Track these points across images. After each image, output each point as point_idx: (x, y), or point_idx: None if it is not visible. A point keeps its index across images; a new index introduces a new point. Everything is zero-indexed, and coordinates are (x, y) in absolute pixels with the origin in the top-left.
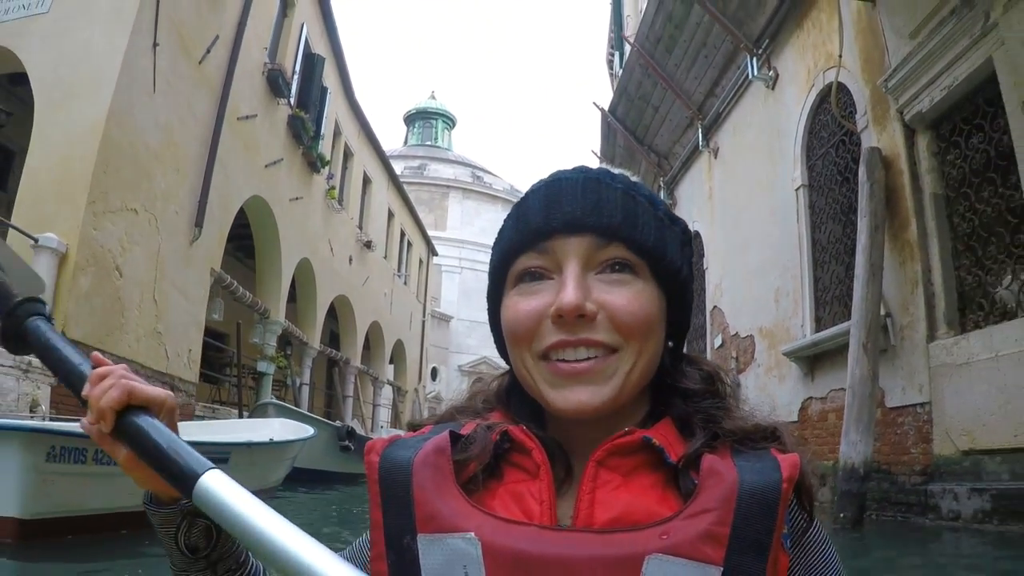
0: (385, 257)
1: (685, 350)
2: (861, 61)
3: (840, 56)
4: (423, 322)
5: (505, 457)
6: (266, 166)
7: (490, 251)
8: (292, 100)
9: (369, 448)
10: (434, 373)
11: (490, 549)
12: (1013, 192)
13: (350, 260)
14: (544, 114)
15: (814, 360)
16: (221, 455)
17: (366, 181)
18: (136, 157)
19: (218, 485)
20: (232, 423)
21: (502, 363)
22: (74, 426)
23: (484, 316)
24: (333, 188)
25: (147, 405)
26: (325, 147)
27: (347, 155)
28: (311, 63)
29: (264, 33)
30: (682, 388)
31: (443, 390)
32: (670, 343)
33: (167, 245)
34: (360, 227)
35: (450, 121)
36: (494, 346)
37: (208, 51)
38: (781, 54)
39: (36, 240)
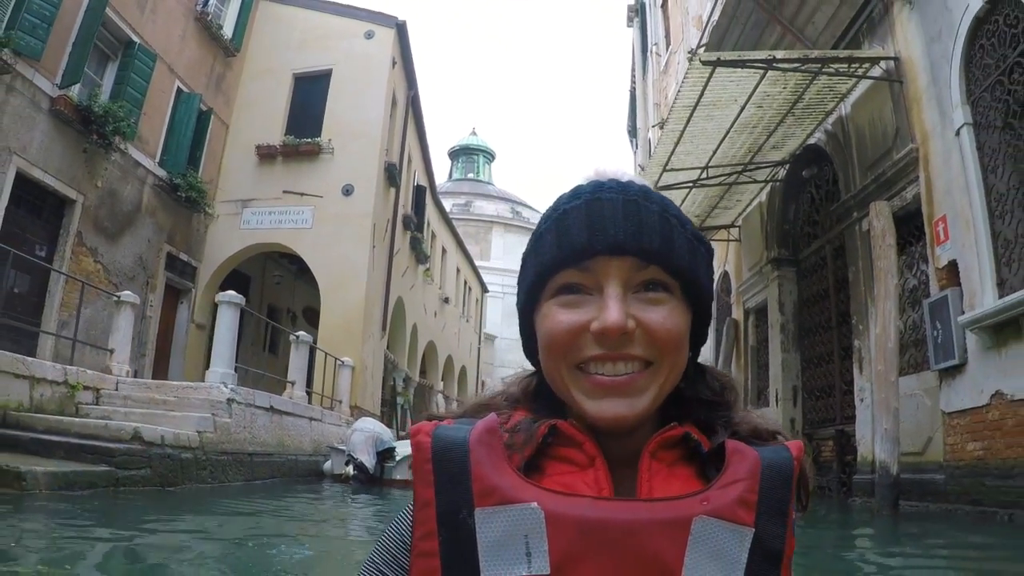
0: (454, 305)
1: None
2: (735, 268)
3: (726, 260)
4: (478, 349)
5: (546, 451)
6: (402, 275)
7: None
8: (413, 227)
9: (416, 431)
10: (482, 386)
11: (552, 517)
12: (769, 352)
13: (435, 315)
14: (575, 145)
15: None
16: None
17: (443, 251)
18: (370, 308)
19: None
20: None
21: None
22: None
23: None
24: (428, 269)
25: None
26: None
27: (432, 237)
28: (420, 193)
29: (403, 195)
30: (701, 398)
31: None
32: (689, 353)
33: (376, 346)
34: (440, 288)
35: (490, 155)
36: (502, 388)
37: (387, 230)
38: (710, 237)
39: (343, 361)
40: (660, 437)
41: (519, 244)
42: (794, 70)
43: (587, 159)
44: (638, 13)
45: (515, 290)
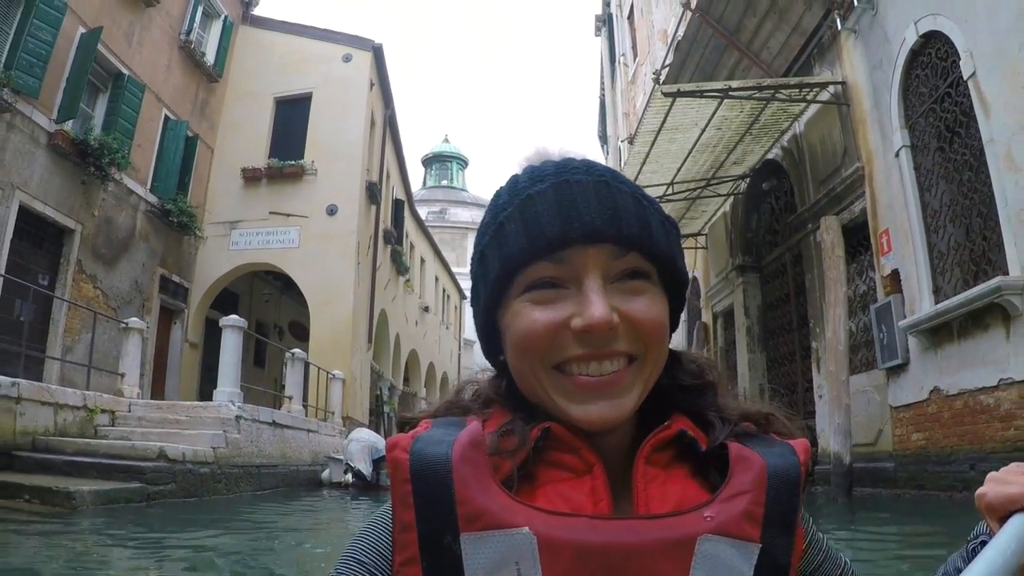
0: (434, 313)
1: None
2: (703, 274)
3: (695, 267)
4: (459, 355)
5: (537, 456)
6: (384, 288)
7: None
8: (393, 241)
9: (392, 445)
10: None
11: (546, 543)
12: (737, 353)
13: (416, 323)
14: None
15: None
16: None
17: (422, 261)
18: (357, 323)
19: None
20: None
21: None
22: None
23: None
24: (408, 280)
25: None
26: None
27: (411, 248)
28: (398, 207)
29: (383, 210)
30: (682, 384)
31: None
32: None
33: (363, 358)
34: (420, 297)
35: (463, 162)
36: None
37: (369, 246)
38: None
39: (333, 375)
40: (654, 439)
41: None
42: (748, 98)
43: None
44: (605, 23)
45: None
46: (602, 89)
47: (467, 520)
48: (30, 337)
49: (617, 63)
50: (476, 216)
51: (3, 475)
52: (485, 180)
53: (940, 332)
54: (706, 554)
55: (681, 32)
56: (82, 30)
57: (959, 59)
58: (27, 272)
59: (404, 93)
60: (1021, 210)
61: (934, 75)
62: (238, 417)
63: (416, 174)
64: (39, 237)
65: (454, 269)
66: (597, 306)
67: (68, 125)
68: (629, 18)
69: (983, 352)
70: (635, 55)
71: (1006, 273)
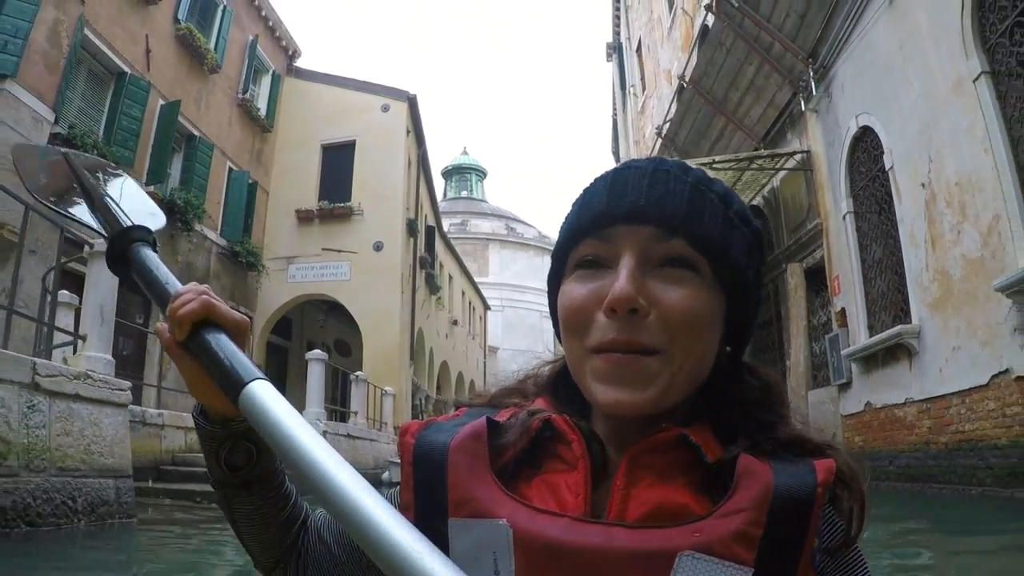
0: (462, 326)
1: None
2: None
3: None
4: (484, 363)
5: (546, 446)
6: (420, 308)
7: (526, 291)
8: (428, 265)
9: (404, 430)
10: None
11: (521, 537)
12: None
13: (446, 336)
14: (563, 160)
15: None
16: None
17: (450, 279)
18: (403, 344)
19: (263, 393)
20: None
21: None
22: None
23: (524, 345)
24: (440, 299)
25: (222, 324)
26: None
27: (441, 267)
28: (430, 234)
29: (419, 239)
30: (737, 397)
31: None
32: (728, 348)
33: (406, 373)
34: (450, 312)
35: (482, 173)
36: (532, 370)
37: (409, 274)
38: None
39: (385, 391)
40: (647, 442)
41: (515, 259)
42: (728, 168)
43: (576, 173)
44: (616, 51)
45: (514, 304)
46: (614, 111)
47: (455, 506)
48: (131, 369)
49: (628, 91)
50: (496, 227)
51: (166, 484)
52: (504, 190)
53: (870, 360)
54: (686, 571)
55: (689, 71)
56: (161, 102)
57: (884, 152)
58: (127, 314)
59: (423, 105)
60: (918, 275)
61: (869, 159)
62: (324, 432)
63: (436, 186)
64: (135, 283)
65: (477, 279)
66: (621, 282)
67: (154, 187)
68: (638, 51)
69: (896, 377)
70: (644, 87)
71: (911, 321)
